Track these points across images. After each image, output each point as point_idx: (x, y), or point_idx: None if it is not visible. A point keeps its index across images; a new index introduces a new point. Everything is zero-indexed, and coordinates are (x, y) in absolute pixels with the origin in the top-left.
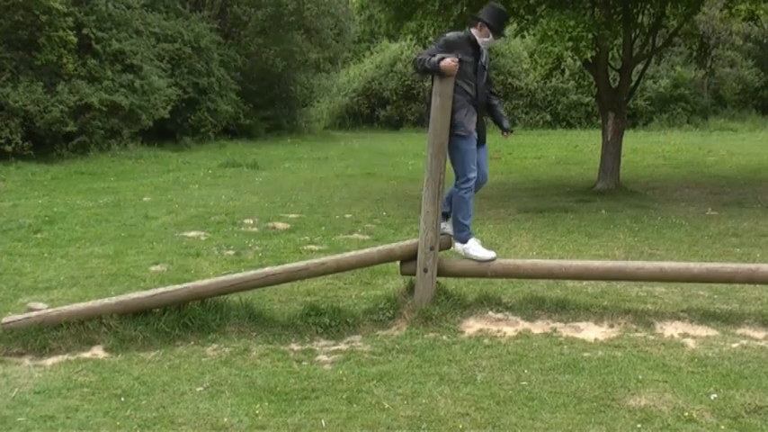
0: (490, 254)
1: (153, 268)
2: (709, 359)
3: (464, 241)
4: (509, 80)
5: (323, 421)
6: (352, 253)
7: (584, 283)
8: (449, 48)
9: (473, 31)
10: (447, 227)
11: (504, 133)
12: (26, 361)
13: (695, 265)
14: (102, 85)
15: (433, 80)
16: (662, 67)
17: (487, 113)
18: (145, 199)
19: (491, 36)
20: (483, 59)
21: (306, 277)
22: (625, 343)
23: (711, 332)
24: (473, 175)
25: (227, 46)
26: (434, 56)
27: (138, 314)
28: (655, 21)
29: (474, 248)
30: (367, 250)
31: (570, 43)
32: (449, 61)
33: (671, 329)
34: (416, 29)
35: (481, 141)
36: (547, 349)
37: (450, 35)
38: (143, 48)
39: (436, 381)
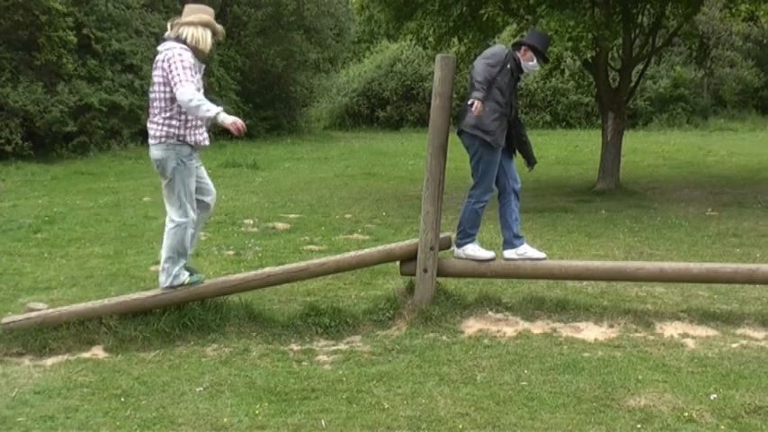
0: (489, 254)
1: (153, 268)
2: (709, 359)
3: (463, 246)
4: None
5: (323, 421)
6: (352, 253)
7: (584, 283)
8: (499, 63)
9: (518, 54)
10: (525, 249)
11: (529, 167)
12: (26, 361)
13: (695, 266)
14: (102, 85)
15: (435, 79)
16: (662, 68)
17: (516, 146)
18: (145, 199)
19: (535, 60)
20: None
21: (306, 277)
22: (625, 343)
23: (711, 332)
24: (493, 188)
25: (227, 46)
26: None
27: (138, 314)
28: (655, 21)
29: (472, 249)
30: (367, 250)
31: (570, 43)
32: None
33: (671, 329)
34: (416, 29)
35: (510, 155)
36: (547, 349)
37: (499, 51)
38: (143, 48)
39: (436, 381)
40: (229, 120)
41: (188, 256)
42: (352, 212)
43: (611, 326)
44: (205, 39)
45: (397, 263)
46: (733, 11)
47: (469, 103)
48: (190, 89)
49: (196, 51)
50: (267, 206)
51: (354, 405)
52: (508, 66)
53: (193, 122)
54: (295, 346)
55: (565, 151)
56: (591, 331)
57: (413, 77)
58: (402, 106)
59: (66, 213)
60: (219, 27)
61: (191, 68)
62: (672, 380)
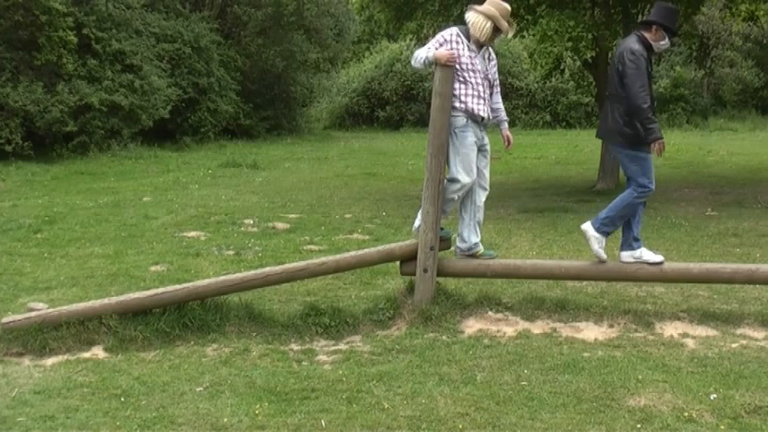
0: (659, 257)
1: (153, 268)
2: (709, 359)
3: (635, 248)
4: (509, 80)
5: (323, 421)
6: (352, 253)
7: (584, 283)
8: (641, 57)
9: (647, 35)
10: (641, 252)
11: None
12: (26, 361)
13: (695, 266)
14: (102, 85)
15: (435, 79)
16: (662, 67)
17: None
18: (145, 199)
19: (666, 39)
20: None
21: (306, 277)
22: (625, 343)
23: (711, 332)
24: (653, 184)
25: (227, 46)
26: None
27: (138, 314)
28: None
29: (645, 253)
30: (367, 250)
31: (570, 43)
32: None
33: (671, 329)
34: (416, 29)
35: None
36: (547, 349)
37: (636, 45)
38: (143, 48)
39: (436, 381)
40: (442, 54)
41: (446, 215)
42: (352, 212)
43: (611, 326)
44: (483, 28)
45: (397, 263)
46: (733, 11)
47: (650, 144)
48: (415, 53)
49: (473, 36)
50: (267, 206)
51: (354, 405)
52: (645, 63)
53: (467, 93)
54: (295, 346)
55: (565, 151)
56: (591, 331)
57: (413, 77)
58: (402, 106)
59: (67, 213)
60: (505, 25)
61: (442, 43)
62: (672, 380)
